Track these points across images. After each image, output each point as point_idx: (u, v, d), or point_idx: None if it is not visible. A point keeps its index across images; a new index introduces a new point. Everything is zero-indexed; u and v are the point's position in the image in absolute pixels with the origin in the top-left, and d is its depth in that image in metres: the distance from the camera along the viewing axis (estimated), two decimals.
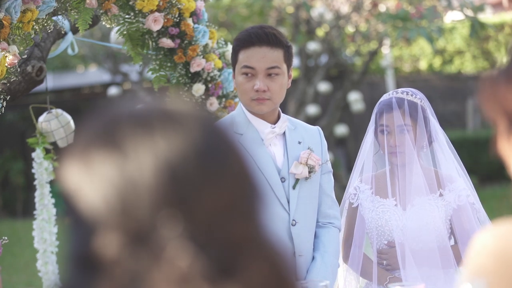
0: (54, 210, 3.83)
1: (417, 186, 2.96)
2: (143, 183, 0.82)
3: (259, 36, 2.80)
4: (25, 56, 3.33)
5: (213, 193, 0.84)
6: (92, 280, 0.83)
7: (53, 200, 3.84)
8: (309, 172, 2.86)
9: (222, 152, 0.87)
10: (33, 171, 3.81)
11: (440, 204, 2.95)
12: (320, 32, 11.20)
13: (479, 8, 7.32)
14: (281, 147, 2.88)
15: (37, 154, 3.80)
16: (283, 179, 2.84)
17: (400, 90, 3.04)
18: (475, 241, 1.06)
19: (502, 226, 1.05)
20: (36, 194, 3.82)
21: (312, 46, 11.00)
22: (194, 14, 3.48)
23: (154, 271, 0.81)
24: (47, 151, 3.85)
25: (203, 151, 0.85)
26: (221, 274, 0.82)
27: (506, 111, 1.04)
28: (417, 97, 3.00)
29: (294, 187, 2.84)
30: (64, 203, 0.88)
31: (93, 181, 0.84)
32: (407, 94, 2.99)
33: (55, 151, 3.85)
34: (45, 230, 3.79)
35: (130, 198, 0.82)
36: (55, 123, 3.77)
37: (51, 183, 3.85)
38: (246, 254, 0.84)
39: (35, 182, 3.82)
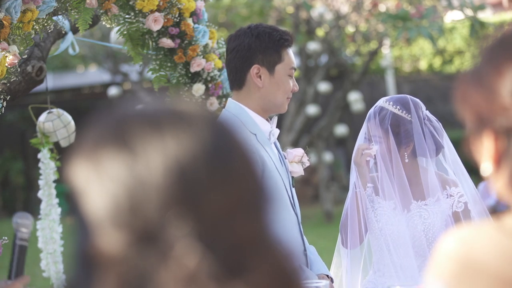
0: (59, 210, 3.83)
1: (415, 191, 2.95)
2: (152, 182, 0.83)
3: (293, 37, 2.89)
4: (25, 56, 3.33)
5: (221, 192, 0.84)
6: (98, 277, 0.83)
7: (57, 200, 3.84)
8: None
9: (231, 152, 0.87)
10: (40, 171, 3.80)
11: (437, 210, 2.93)
12: (320, 32, 11.21)
13: (480, 7, 7.32)
14: (274, 147, 2.88)
15: (44, 155, 3.79)
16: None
17: (387, 98, 3.02)
18: (439, 245, 1.07)
19: (464, 230, 1.06)
20: (42, 194, 3.80)
21: (312, 46, 11.01)
22: (194, 14, 3.48)
23: (161, 270, 0.82)
24: (50, 151, 3.85)
25: (212, 151, 0.85)
26: (228, 273, 0.83)
27: (475, 112, 1.06)
28: (397, 107, 2.95)
29: (293, 186, 2.85)
30: (70, 202, 0.88)
31: (102, 179, 0.84)
32: (389, 103, 2.97)
33: (57, 151, 3.86)
34: (54, 230, 3.78)
35: (139, 197, 0.83)
36: (58, 122, 3.77)
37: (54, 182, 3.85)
38: (253, 254, 0.85)
39: (41, 182, 3.80)
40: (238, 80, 2.85)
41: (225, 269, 0.83)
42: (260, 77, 2.80)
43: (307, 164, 2.91)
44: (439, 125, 3.03)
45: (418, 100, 3.03)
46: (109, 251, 0.83)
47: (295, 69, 2.88)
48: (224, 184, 0.85)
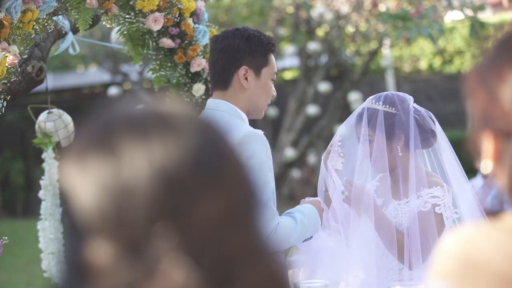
0: (60, 209, 3.82)
1: (402, 187, 2.95)
2: (138, 190, 0.80)
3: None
4: (25, 56, 3.33)
5: (208, 202, 0.82)
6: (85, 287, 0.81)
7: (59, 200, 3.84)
8: None
9: (218, 159, 0.84)
10: (45, 171, 3.80)
11: (405, 211, 2.90)
12: (320, 32, 11.20)
13: (480, 8, 7.32)
14: None
15: (48, 154, 3.79)
16: None
17: (371, 98, 3.05)
18: (440, 245, 1.07)
19: (466, 230, 1.06)
20: (43, 194, 3.79)
21: (312, 46, 10.99)
22: (194, 14, 3.48)
23: (148, 284, 0.79)
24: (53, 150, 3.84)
25: (199, 158, 0.83)
26: (216, 286, 0.81)
27: (480, 109, 1.07)
28: (381, 103, 2.98)
29: None
30: (63, 205, 0.87)
31: (88, 185, 0.82)
32: (373, 102, 3.00)
33: (58, 151, 3.85)
34: (58, 230, 3.78)
35: (124, 205, 0.80)
36: (59, 122, 3.77)
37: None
38: (242, 264, 0.83)
39: (42, 182, 3.80)
40: (224, 80, 2.90)
41: (214, 281, 0.80)
42: (246, 78, 2.87)
43: None
44: (427, 114, 3.01)
45: (404, 94, 3.05)
46: (97, 262, 0.81)
47: (276, 74, 2.95)
48: (212, 193, 0.82)
